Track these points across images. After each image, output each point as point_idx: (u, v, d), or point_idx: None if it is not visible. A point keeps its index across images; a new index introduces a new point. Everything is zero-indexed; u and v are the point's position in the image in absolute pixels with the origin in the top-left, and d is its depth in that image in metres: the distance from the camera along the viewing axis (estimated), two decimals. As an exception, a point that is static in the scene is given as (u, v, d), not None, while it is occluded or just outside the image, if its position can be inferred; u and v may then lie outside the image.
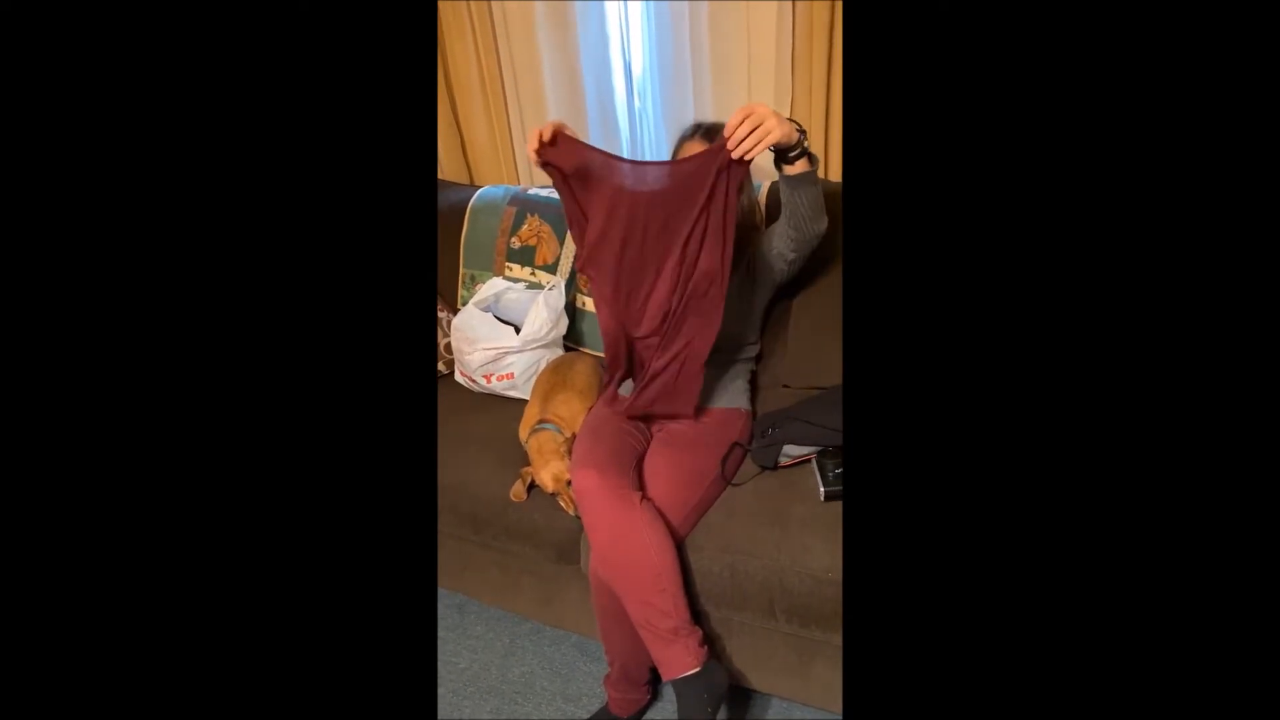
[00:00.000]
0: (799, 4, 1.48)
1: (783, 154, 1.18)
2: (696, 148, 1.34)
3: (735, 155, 1.10)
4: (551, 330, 1.56)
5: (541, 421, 1.38)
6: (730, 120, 1.09)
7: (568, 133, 1.19)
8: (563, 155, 1.19)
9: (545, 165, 1.20)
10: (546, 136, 1.16)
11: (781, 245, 1.33)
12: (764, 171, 1.71)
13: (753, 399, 1.45)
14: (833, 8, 1.45)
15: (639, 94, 1.82)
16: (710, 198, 1.15)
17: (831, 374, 1.43)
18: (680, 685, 1.12)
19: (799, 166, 1.19)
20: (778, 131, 1.09)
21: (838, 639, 1.13)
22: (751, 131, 1.08)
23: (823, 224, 1.28)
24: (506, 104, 1.89)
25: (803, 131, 1.16)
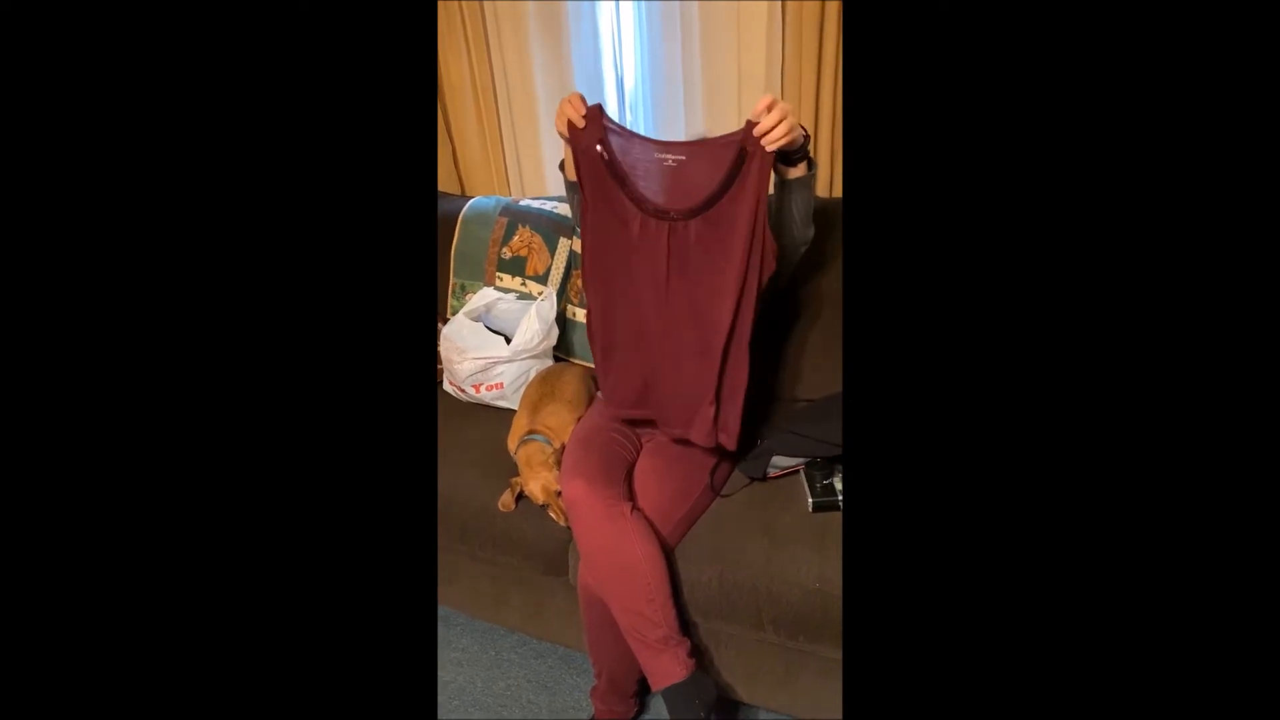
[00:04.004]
0: (788, 13, 1.48)
1: (786, 156, 1.14)
2: None
3: (764, 144, 1.06)
4: (543, 341, 1.56)
5: (530, 432, 1.37)
6: (757, 106, 1.05)
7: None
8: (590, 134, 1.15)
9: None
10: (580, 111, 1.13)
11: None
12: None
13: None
14: (822, 9, 1.45)
15: (630, 107, 1.84)
16: (729, 181, 1.11)
17: (820, 386, 1.44)
18: (669, 694, 1.11)
19: (799, 170, 1.16)
20: (796, 128, 1.07)
21: (826, 650, 1.13)
22: (779, 120, 1.04)
23: (810, 231, 1.25)
24: (499, 115, 1.89)
25: (807, 135, 1.14)
